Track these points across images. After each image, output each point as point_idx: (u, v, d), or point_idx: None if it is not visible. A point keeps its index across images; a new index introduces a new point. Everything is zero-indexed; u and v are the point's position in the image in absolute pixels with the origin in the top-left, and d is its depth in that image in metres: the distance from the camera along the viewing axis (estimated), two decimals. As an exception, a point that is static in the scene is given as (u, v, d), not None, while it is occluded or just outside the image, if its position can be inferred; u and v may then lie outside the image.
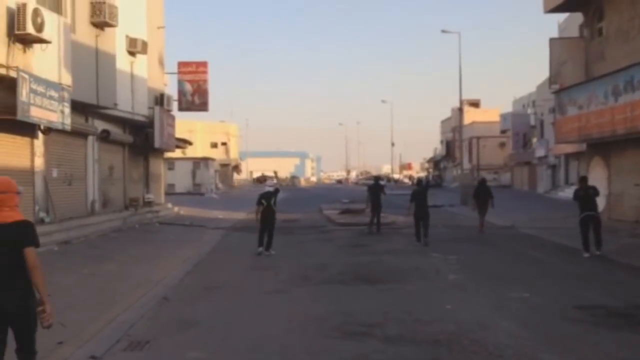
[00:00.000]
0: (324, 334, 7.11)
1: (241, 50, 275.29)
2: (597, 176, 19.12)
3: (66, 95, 15.27)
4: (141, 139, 23.84)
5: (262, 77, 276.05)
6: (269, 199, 14.57)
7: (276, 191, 15.05)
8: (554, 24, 38.80)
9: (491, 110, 70.94)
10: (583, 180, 14.34)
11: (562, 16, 34.04)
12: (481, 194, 20.05)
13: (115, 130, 21.35)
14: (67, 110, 15.35)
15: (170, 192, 42.37)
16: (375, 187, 20.13)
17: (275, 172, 33.42)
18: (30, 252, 4.46)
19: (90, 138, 19.24)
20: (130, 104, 21.82)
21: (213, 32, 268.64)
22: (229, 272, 12.06)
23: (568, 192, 32.45)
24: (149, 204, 24.79)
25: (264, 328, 7.45)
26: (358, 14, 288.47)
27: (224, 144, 73.80)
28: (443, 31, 38.68)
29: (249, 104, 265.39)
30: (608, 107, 17.04)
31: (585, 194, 13.59)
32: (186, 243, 17.01)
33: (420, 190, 17.35)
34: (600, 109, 17.52)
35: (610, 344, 6.55)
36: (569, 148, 33.52)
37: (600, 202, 14.62)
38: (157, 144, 23.94)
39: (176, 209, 28.58)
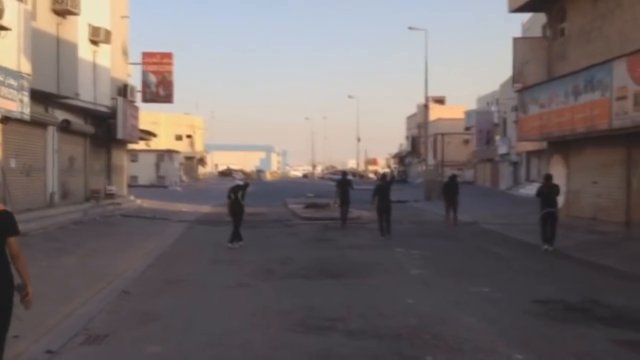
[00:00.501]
0: (286, 328, 7.09)
1: (207, 42, 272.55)
2: (557, 174, 19.49)
3: (25, 84, 14.88)
4: (103, 130, 23.41)
5: (228, 70, 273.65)
6: (237, 192, 14.80)
7: (245, 185, 15.35)
8: (519, 23, 39.40)
9: (456, 107, 71.84)
10: (548, 178, 14.79)
11: (526, 16, 34.65)
12: (450, 190, 20.62)
13: (77, 121, 20.91)
14: (27, 99, 14.96)
15: (134, 185, 41.72)
16: (344, 182, 20.10)
17: (242, 170, 33.51)
18: (12, 241, 4.59)
19: (50, 128, 18.80)
20: (93, 94, 21.39)
21: (179, 23, 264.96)
22: (191, 266, 11.94)
23: (529, 189, 33.14)
24: (110, 196, 24.37)
25: (226, 322, 7.40)
26: (326, 10, 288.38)
27: (189, 136, 72.98)
28: (410, 28, 39.13)
29: (215, 97, 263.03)
30: (568, 107, 17.41)
31: (549, 192, 14.20)
32: (149, 236, 16.78)
33: (384, 185, 17.64)
34: (560, 108, 17.90)
35: (567, 338, 6.70)
36: (531, 146, 34.17)
37: (560, 199, 15.11)
38: (119, 135, 23.54)
39: (139, 201, 28.19)
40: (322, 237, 16.82)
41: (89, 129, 22.20)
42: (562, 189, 16.51)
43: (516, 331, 6.98)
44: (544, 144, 23.12)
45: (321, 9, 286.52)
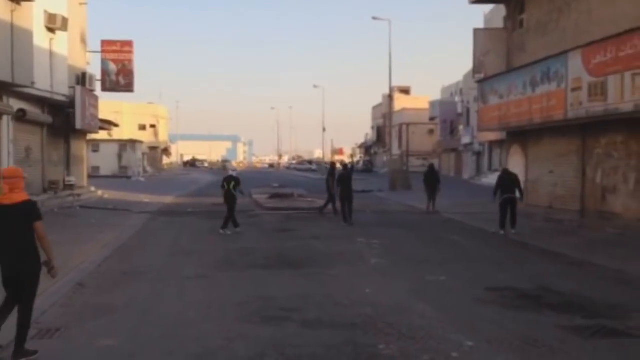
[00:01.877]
0: (242, 319, 7.09)
1: (171, 31, 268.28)
2: (516, 163, 19.92)
3: (-23, 72, 14.43)
4: (62, 119, 22.89)
5: (193, 59, 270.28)
6: (230, 182, 15.91)
7: (237, 178, 16.34)
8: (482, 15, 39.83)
9: (421, 98, 72.47)
10: (506, 169, 16.11)
11: (489, 8, 35.04)
12: (430, 179, 21.26)
13: (33, 110, 20.39)
14: (-22, 87, 14.52)
15: (95, 175, 41.03)
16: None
17: (207, 160, 33.74)
18: (39, 225, 5.63)
19: (5, 118, 18.29)
20: (50, 82, 20.88)
21: (141, 11, 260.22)
22: (150, 258, 11.81)
23: (491, 179, 33.64)
24: (70, 187, 23.86)
25: (182, 314, 7.35)
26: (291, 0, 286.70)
27: (152, 126, 71.97)
28: (374, 18, 39.10)
29: (180, 87, 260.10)
30: (526, 97, 17.74)
31: (508, 180, 15.09)
32: (108, 227, 16.51)
33: (346, 174, 18.33)
34: (519, 98, 18.21)
35: (517, 324, 6.85)
36: (493, 136, 34.71)
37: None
38: (78, 125, 23.04)
39: (100, 192, 27.72)
40: (285, 228, 16.82)
41: (46, 118, 21.68)
42: (522, 178, 16.88)
43: (468, 318, 7.12)
44: (505, 134, 23.50)
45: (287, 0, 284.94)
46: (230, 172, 17.10)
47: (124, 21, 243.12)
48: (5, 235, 5.56)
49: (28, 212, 5.60)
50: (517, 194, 14.97)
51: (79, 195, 23.81)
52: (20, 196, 5.61)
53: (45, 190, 21.65)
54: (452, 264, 11.10)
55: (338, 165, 24.74)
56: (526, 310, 7.52)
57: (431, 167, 22.80)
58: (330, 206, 19.88)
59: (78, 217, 18.89)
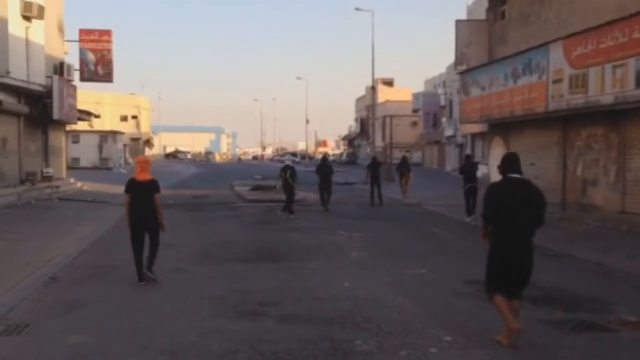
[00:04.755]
0: (218, 314, 6.95)
1: (153, 21, 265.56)
2: (498, 156, 19.79)
3: (-52, 60, 14.06)
4: (39, 110, 22.46)
5: (175, 50, 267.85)
6: (286, 172, 17.61)
7: (293, 167, 18.18)
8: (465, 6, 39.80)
9: (404, 90, 72.52)
10: (468, 158, 17.46)
11: (471, -1, 35.01)
12: (403, 169, 23.78)
13: (9, 100, 19.96)
14: (-50, 76, 14.15)
15: (75, 167, 40.50)
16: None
17: (189, 152, 34.08)
18: (157, 196, 8.60)
19: (-21, 108, 17.90)
20: (26, 72, 20.40)
21: (122, 1, 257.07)
22: (127, 251, 11.35)
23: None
24: (47, 178, 23.46)
25: (157, 309, 7.19)
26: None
27: (134, 117, 71.25)
28: (356, 9, 38.88)
29: (162, 78, 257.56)
30: (508, 89, 17.70)
31: (470, 169, 16.12)
32: (85, 220, 16.26)
33: (325, 164, 19.49)
34: (500, 90, 18.18)
35: (496, 318, 6.74)
36: (475, 128, 34.76)
37: (478, 174, 16.83)
38: (56, 116, 22.61)
39: (79, 184, 27.32)
40: (266, 220, 16.67)
41: (23, 108, 21.24)
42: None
43: (447, 312, 7.04)
44: (487, 126, 23.50)
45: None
46: (287, 162, 19.29)
47: (105, 11, 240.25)
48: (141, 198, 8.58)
49: (153, 187, 8.61)
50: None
51: (57, 186, 23.44)
52: (149, 176, 8.67)
53: (22, 182, 21.25)
54: (432, 257, 11.04)
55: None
56: (505, 304, 7.44)
57: (404, 158, 25.09)
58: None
59: (55, 210, 18.57)
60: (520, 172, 6.11)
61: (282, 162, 78.30)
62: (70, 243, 12.30)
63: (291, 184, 17.42)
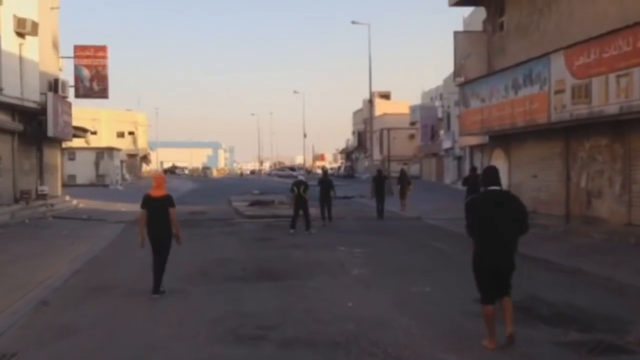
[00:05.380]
0: (215, 339, 6.60)
1: (149, 37, 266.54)
2: (499, 168, 19.60)
3: (-61, 77, 13.78)
4: (33, 127, 22.17)
5: (171, 65, 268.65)
6: (299, 187, 17.11)
7: (306, 182, 17.76)
8: (461, 18, 39.77)
9: (401, 103, 72.40)
10: (473, 169, 17.55)
11: (468, 11, 34.99)
12: (404, 181, 23.94)
13: (2, 118, 19.70)
14: (-59, 94, 13.86)
15: (71, 184, 40.18)
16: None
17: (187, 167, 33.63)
18: (172, 211, 8.90)
19: (-28, 125, 17.60)
20: (19, 89, 20.16)
21: (118, 17, 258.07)
22: (122, 271, 11.24)
23: (472, 183, 33.47)
24: (42, 196, 23.13)
25: (151, 334, 6.84)
26: (271, 4, 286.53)
27: (131, 133, 70.92)
28: (353, 22, 38.78)
29: (159, 94, 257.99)
30: (508, 100, 17.46)
31: (475, 181, 15.74)
32: (80, 239, 15.89)
33: (325, 179, 19.60)
34: (501, 102, 17.93)
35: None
36: (474, 140, 34.53)
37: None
38: (50, 133, 22.31)
39: (75, 201, 26.98)
40: (265, 237, 16.32)
41: (17, 126, 20.96)
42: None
43: (456, 334, 6.71)
44: (487, 138, 23.27)
45: (266, 4, 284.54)
46: (300, 177, 19.20)
47: (100, 27, 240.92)
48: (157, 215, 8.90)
49: (168, 202, 8.93)
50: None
51: (52, 205, 23.10)
52: (164, 192, 8.97)
53: (16, 201, 20.91)
54: (437, 273, 10.71)
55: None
56: (517, 324, 7.04)
57: (402, 171, 25.49)
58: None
59: (50, 228, 18.20)
60: (499, 185, 6.32)
61: (279, 176, 78.10)
62: (63, 263, 11.94)
63: (306, 200, 17.04)
